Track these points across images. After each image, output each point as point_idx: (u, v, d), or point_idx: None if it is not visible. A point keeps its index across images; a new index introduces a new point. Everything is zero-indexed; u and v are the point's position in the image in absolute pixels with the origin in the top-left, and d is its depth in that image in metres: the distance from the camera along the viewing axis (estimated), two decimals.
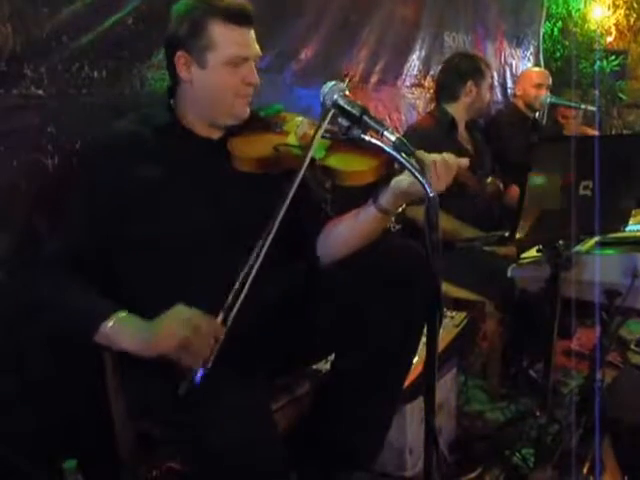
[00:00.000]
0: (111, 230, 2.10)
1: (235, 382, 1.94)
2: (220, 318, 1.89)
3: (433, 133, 3.89)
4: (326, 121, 1.98)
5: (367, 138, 1.86)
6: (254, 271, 1.89)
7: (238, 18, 2.15)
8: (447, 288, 3.57)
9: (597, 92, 6.45)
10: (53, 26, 2.44)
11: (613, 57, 6.79)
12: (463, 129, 4.16)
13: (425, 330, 1.90)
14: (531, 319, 3.39)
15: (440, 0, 4.86)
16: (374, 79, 4.34)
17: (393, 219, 3.91)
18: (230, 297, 1.88)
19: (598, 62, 6.74)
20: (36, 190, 2.41)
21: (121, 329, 1.92)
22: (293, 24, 3.64)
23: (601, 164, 2.40)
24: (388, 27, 4.36)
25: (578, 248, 2.79)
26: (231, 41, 2.14)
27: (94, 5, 2.57)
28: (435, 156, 2.02)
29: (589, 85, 6.56)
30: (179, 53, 2.17)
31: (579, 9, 6.81)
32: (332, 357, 2.39)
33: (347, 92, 1.93)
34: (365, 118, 1.86)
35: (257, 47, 2.22)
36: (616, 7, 7.17)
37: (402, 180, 2.08)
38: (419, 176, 1.69)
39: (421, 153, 1.86)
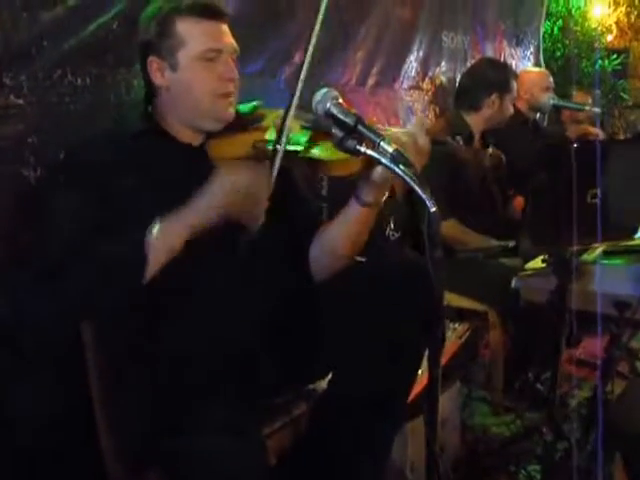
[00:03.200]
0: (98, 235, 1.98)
1: (225, 407, 1.86)
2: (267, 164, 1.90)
3: (450, 145, 3.70)
4: (293, 105, 1.95)
5: (362, 149, 1.75)
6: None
7: (205, 11, 2.09)
8: (449, 297, 3.46)
9: (598, 92, 6.33)
10: (33, 31, 2.35)
11: (614, 56, 6.70)
12: (478, 140, 3.97)
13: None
14: (537, 331, 3.27)
15: (438, 0, 4.76)
16: (371, 82, 4.24)
17: (392, 225, 3.81)
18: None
19: (599, 61, 6.65)
20: (17, 203, 2.30)
21: (168, 219, 1.86)
22: (285, 26, 3.53)
23: (610, 170, 2.29)
24: (385, 28, 4.26)
25: (584, 257, 2.68)
26: (199, 34, 2.07)
27: (76, 9, 2.47)
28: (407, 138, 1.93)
29: (591, 85, 6.43)
30: (150, 59, 2.11)
31: (579, 7, 6.70)
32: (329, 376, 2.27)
33: (340, 100, 1.82)
34: (360, 128, 1.75)
35: (232, 41, 2.14)
36: (617, 5, 7.12)
37: (377, 168, 1.99)
38: (419, 190, 1.57)
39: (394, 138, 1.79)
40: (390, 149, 1.67)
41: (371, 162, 1.96)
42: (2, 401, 2.24)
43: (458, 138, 3.60)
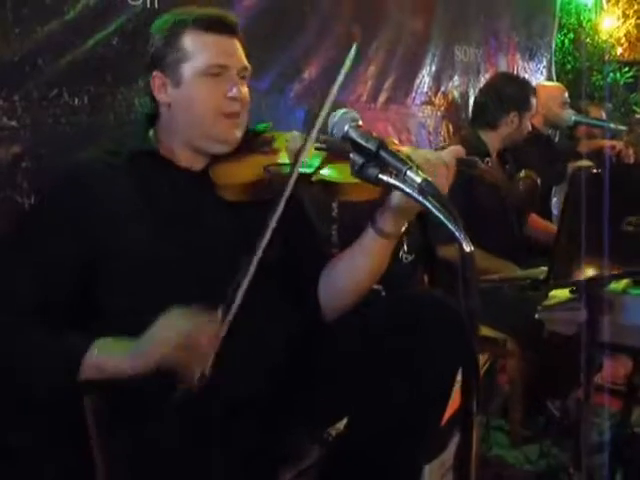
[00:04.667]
0: (82, 267, 1.89)
1: (229, 462, 1.74)
2: (219, 313, 1.71)
3: (479, 168, 3.56)
4: (316, 129, 1.78)
5: (385, 178, 1.58)
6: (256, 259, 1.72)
7: (215, 25, 1.97)
8: None
9: (610, 105, 6.21)
10: (27, 48, 2.28)
11: (626, 69, 6.59)
12: (495, 159, 3.81)
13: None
14: (561, 362, 3.11)
15: (450, 12, 4.69)
16: (382, 98, 4.16)
17: (405, 248, 3.66)
18: (229, 291, 1.72)
19: (611, 74, 6.55)
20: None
21: (108, 352, 1.73)
22: (294, 41, 3.47)
23: None
24: (396, 42, 4.20)
25: (612, 287, 2.54)
26: (206, 48, 1.95)
27: (74, 24, 2.40)
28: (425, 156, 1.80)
29: (602, 98, 6.31)
30: (154, 73, 1.98)
31: (590, 19, 6.60)
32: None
33: (360, 122, 1.66)
34: (382, 154, 1.57)
35: (242, 58, 2.01)
36: (626, 17, 7.02)
37: (396, 195, 1.83)
38: (453, 228, 1.40)
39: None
40: (418, 179, 1.49)
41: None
42: None
43: (488, 159, 3.47)
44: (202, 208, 1.98)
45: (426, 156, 1.78)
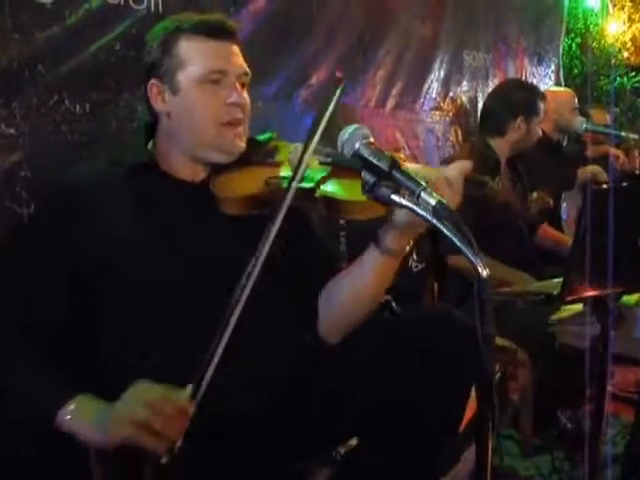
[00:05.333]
0: (77, 282, 1.86)
1: None
2: (189, 391, 1.61)
3: (490, 188, 3.51)
4: (316, 138, 1.73)
5: (397, 199, 1.51)
6: (227, 334, 1.62)
7: (211, 30, 1.93)
8: None
9: (616, 109, 6.16)
10: (26, 54, 2.28)
11: (633, 73, 6.55)
12: (504, 167, 3.76)
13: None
14: (573, 374, 3.07)
15: (459, 18, 4.66)
16: (391, 103, 4.13)
17: (415, 257, 3.61)
18: (201, 366, 1.62)
19: (618, 78, 6.51)
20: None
21: (79, 418, 1.67)
22: (302, 45, 3.45)
23: None
24: (405, 47, 4.17)
25: (624, 300, 2.50)
26: (202, 54, 1.91)
27: (75, 28, 2.39)
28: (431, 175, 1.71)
29: (609, 103, 6.27)
30: (151, 82, 1.94)
31: (597, 24, 6.55)
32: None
33: (371, 139, 1.59)
34: (395, 173, 1.51)
35: (241, 63, 1.96)
36: (632, 22, 6.97)
37: (402, 213, 1.73)
38: (467, 251, 1.34)
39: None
40: (433, 201, 1.43)
41: None
42: None
43: (497, 179, 3.40)
44: (202, 222, 1.93)
45: (428, 175, 1.68)
